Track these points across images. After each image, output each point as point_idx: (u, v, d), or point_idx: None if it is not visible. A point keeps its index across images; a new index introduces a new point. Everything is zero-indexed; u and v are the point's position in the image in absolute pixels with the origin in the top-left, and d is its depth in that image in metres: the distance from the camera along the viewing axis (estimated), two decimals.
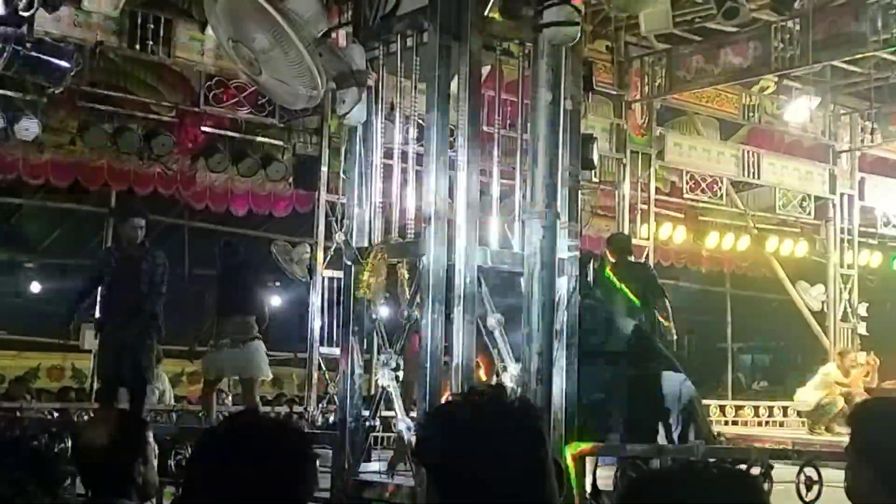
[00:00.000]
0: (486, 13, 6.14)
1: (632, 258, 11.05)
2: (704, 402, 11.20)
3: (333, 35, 6.51)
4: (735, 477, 1.73)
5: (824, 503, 5.34)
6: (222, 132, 12.08)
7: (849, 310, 15.48)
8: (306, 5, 5.98)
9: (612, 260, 9.69)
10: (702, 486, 1.67)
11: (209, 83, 11.64)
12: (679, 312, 11.25)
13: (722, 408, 14.36)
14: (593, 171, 12.76)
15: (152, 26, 10.67)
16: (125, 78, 11.56)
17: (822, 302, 15.62)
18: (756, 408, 14.87)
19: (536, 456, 1.92)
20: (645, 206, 13.87)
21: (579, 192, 6.18)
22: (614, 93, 13.73)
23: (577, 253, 6.23)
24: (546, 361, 5.80)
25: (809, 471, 5.37)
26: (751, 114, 14.96)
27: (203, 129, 11.86)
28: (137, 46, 10.67)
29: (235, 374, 10.00)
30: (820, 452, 5.80)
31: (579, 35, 5.76)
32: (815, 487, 5.30)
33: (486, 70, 6.55)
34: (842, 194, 15.79)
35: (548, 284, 5.69)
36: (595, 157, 12.31)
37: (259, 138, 12.35)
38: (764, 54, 12.51)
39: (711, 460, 4.93)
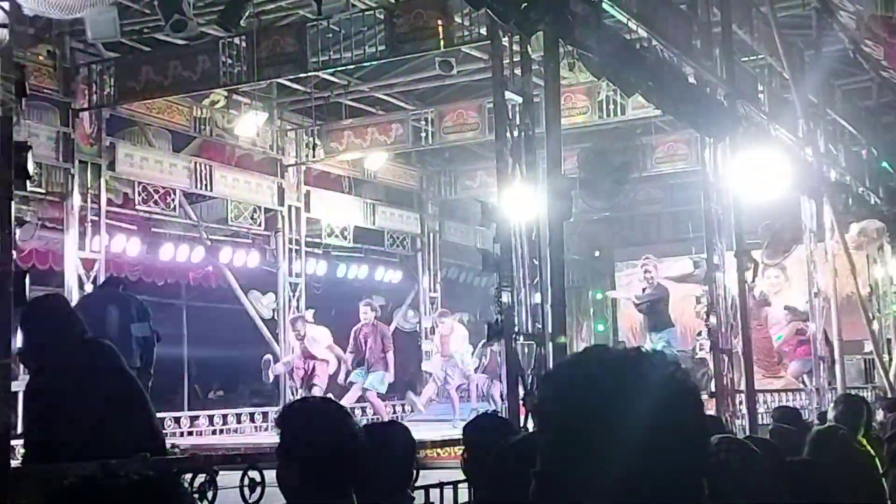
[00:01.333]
0: None
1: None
2: (160, 415, 11.08)
3: None
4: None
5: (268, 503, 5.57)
6: None
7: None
8: None
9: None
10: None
11: None
12: None
13: (177, 419, 14.34)
14: (32, 181, 12.07)
15: None
16: None
17: (273, 310, 16.27)
18: (211, 417, 15.06)
19: None
20: (96, 218, 13.44)
21: (12, 202, 5.81)
22: (60, 100, 13.15)
23: (12, 269, 5.86)
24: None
25: (253, 473, 5.58)
26: (202, 127, 15.18)
27: None
28: None
29: None
30: (263, 455, 6.01)
31: (7, 37, 5.43)
32: (259, 489, 5.52)
33: None
34: (290, 206, 16.55)
35: None
36: (30, 167, 11.64)
37: None
38: (213, 69, 12.73)
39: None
